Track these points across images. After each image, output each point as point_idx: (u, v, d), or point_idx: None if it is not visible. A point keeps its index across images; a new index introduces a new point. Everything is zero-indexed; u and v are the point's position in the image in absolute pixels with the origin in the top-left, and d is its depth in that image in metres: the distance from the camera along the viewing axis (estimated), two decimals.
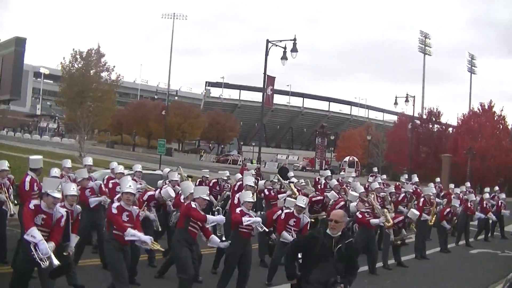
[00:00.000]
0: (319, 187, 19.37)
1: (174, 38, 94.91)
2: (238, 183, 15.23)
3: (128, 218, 8.08)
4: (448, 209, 16.97)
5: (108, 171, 14.29)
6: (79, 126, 35.61)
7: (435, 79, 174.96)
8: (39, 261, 6.66)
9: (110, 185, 11.95)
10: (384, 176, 25.00)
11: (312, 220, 14.43)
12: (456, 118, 62.32)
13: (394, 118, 78.87)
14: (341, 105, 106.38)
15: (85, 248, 10.59)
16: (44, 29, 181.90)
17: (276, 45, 28.44)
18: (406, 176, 26.83)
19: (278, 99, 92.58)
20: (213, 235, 9.28)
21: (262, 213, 14.38)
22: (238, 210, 9.65)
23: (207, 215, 9.11)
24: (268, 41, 28.54)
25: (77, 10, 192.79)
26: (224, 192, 15.93)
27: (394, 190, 18.33)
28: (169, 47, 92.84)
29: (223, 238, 10.42)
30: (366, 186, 19.14)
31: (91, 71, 55.78)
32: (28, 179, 10.10)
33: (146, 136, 75.47)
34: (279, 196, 15.67)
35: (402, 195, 18.03)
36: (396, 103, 47.70)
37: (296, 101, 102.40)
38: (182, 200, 10.36)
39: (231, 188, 15.94)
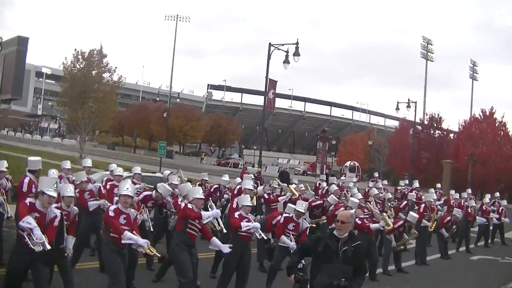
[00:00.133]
0: (320, 192, 19.32)
1: (176, 40, 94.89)
2: (238, 187, 15.09)
3: (125, 221, 8.01)
4: (448, 217, 16.82)
5: (108, 173, 14.22)
6: (80, 127, 35.52)
7: (437, 85, 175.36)
8: (32, 246, 6.65)
9: (108, 187, 11.86)
10: (385, 182, 24.99)
11: (314, 225, 14.41)
12: (457, 124, 62.34)
13: (396, 123, 78.82)
14: (342, 109, 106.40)
15: (84, 251, 10.54)
16: (47, 28, 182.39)
17: (279, 49, 28.44)
18: (406, 181, 26.72)
19: (280, 103, 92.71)
20: (214, 238, 9.20)
21: (262, 217, 14.32)
22: (236, 214, 9.58)
23: (202, 211, 9.01)
24: (270, 45, 28.52)
25: (80, 11, 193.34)
26: (222, 201, 15.74)
27: (391, 196, 18.25)
28: (171, 49, 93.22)
29: (224, 231, 10.40)
30: (366, 191, 19.13)
31: (93, 72, 55.85)
32: (26, 180, 10.02)
33: (148, 138, 75.46)
34: (279, 198, 15.62)
35: (404, 202, 17.89)
36: (397, 109, 47.60)
37: (298, 105, 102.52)
38: (180, 203, 10.31)
39: (231, 191, 15.82)
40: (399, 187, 24.74)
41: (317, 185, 21.62)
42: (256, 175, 23.69)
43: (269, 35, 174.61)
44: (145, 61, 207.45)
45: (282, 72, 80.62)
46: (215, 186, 16.38)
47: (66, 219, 7.80)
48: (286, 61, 27.81)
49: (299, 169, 72.79)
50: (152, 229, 10.94)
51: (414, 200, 17.88)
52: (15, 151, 36.09)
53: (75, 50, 55.57)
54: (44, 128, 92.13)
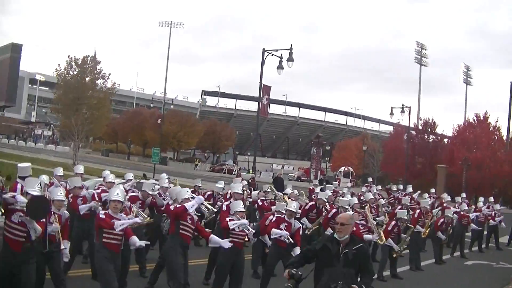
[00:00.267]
0: (314, 197, 19.30)
1: (170, 46, 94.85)
2: (230, 191, 15.05)
3: None
4: (442, 219, 16.90)
5: (101, 180, 14.14)
6: (73, 134, 35.39)
7: (431, 90, 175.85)
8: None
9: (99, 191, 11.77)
10: (379, 187, 24.98)
11: (316, 226, 14.48)
12: (451, 129, 62.47)
13: (390, 128, 79.05)
14: (337, 115, 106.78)
15: (76, 259, 10.45)
16: (41, 35, 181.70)
17: (272, 55, 28.45)
18: (401, 186, 26.72)
19: (274, 109, 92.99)
20: (212, 235, 9.13)
21: (256, 224, 14.25)
22: (228, 218, 9.51)
23: (185, 204, 8.89)
24: (264, 51, 28.53)
25: (74, 18, 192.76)
26: (216, 207, 15.59)
27: (384, 202, 18.28)
28: (165, 55, 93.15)
29: (214, 209, 10.23)
30: (359, 195, 19.19)
31: (87, 79, 55.71)
32: (19, 186, 9.91)
33: (142, 145, 75.29)
34: (273, 208, 15.56)
35: (399, 207, 17.90)
36: (391, 114, 47.76)
37: (292, 111, 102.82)
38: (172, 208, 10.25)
39: (224, 197, 15.72)
40: (390, 191, 24.76)
41: (311, 188, 21.68)
42: (250, 181, 23.65)
43: (263, 41, 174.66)
44: (139, 67, 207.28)
45: (276, 78, 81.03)
46: (209, 192, 16.33)
47: (58, 222, 7.80)
48: (280, 67, 27.81)
49: (293, 175, 72.81)
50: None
51: (408, 204, 17.96)
52: (8, 158, 35.91)
53: (69, 56, 55.37)
54: (38, 135, 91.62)
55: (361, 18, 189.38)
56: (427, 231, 16.06)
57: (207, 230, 10.28)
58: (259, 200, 15.52)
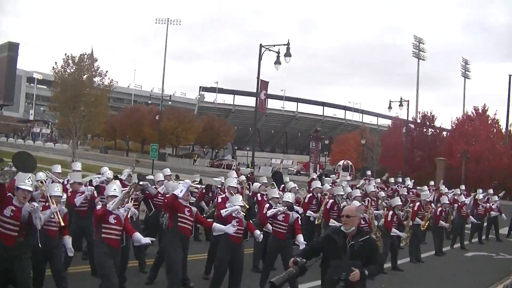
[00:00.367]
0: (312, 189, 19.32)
1: (168, 43, 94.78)
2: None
3: (115, 221, 7.92)
4: (440, 209, 17.04)
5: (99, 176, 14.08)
6: (71, 131, 35.30)
7: (429, 83, 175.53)
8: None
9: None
10: (378, 180, 24.94)
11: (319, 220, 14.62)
12: (450, 122, 62.46)
13: (389, 122, 79.01)
14: (335, 109, 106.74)
15: (75, 255, 10.41)
16: (38, 34, 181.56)
17: (270, 50, 28.37)
18: (399, 179, 26.65)
19: (273, 104, 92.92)
20: (215, 224, 9.07)
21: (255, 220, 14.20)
22: (223, 210, 9.45)
23: (174, 192, 8.85)
24: (261, 46, 28.45)
25: (71, 16, 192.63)
26: (215, 202, 15.54)
27: (384, 195, 18.29)
28: (163, 52, 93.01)
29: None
30: (357, 187, 19.29)
31: (84, 76, 55.49)
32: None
33: (140, 141, 75.22)
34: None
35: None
36: (390, 107, 47.72)
37: (291, 106, 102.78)
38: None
39: (222, 191, 15.64)
40: (388, 183, 24.77)
41: (310, 180, 21.69)
42: (249, 175, 23.62)
43: (261, 37, 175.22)
44: (136, 64, 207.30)
45: (274, 73, 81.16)
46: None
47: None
48: (278, 62, 27.77)
49: (292, 169, 72.74)
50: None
51: (405, 193, 18.04)
52: (7, 156, 35.79)
53: (66, 54, 55.03)
54: (36, 133, 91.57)
55: (359, 13, 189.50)
56: (426, 224, 16.09)
57: (209, 220, 10.23)
58: (258, 194, 15.34)
